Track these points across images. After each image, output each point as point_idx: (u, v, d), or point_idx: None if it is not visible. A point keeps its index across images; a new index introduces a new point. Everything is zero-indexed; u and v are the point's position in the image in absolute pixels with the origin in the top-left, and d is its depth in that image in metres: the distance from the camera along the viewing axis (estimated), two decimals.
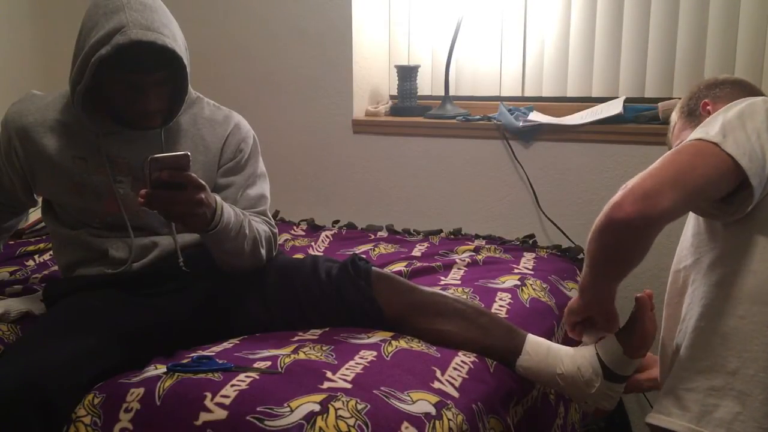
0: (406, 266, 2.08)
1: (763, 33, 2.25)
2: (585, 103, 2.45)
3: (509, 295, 1.85)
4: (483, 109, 2.56)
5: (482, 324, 1.55)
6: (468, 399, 1.34)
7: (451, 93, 2.59)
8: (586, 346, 1.47)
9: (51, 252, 2.07)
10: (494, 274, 2.01)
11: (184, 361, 1.41)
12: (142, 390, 1.33)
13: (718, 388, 1.21)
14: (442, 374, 1.40)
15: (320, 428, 1.19)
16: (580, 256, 2.22)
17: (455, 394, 1.35)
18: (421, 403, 1.27)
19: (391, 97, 2.81)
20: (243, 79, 2.80)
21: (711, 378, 1.22)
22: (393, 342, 1.50)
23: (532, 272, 2.04)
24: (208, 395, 1.28)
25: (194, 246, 1.66)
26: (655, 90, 2.39)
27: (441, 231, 2.45)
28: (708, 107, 1.46)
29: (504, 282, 1.94)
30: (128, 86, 1.52)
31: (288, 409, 1.24)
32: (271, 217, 1.74)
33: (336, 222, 2.59)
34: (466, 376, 1.42)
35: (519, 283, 1.93)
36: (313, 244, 2.40)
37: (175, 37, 1.52)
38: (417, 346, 1.50)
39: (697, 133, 1.20)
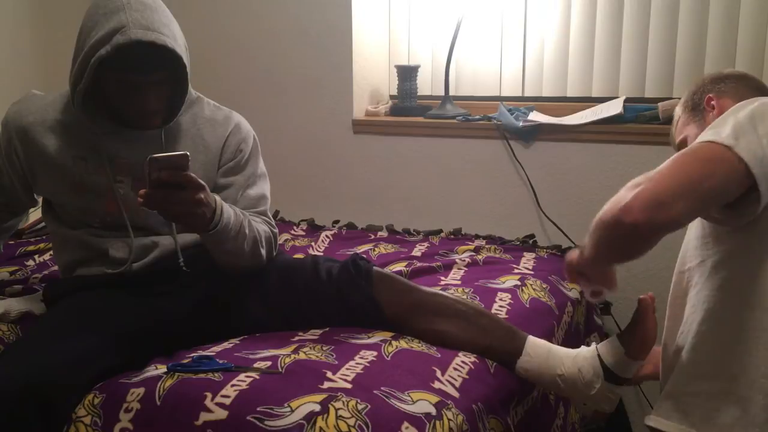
0: (406, 266, 2.08)
1: (763, 33, 2.24)
2: (585, 103, 2.45)
3: (509, 295, 1.85)
4: (483, 109, 2.56)
5: (482, 325, 1.55)
6: (468, 399, 1.34)
7: (451, 93, 2.59)
8: (587, 347, 1.47)
9: (51, 252, 2.07)
10: (494, 274, 2.01)
11: (185, 361, 1.41)
12: (142, 390, 1.33)
13: (719, 393, 1.20)
14: (443, 374, 1.40)
15: (320, 428, 1.19)
16: None
17: (455, 394, 1.35)
18: (421, 403, 1.27)
19: (391, 97, 2.81)
20: (243, 79, 2.80)
21: (712, 383, 1.21)
22: (393, 342, 1.50)
23: (532, 272, 2.04)
24: (209, 395, 1.28)
25: (195, 246, 1.66)
26: (655, 90, 2.39)
27: (441, 231, 2.45)
28: (712, 102, 1.45)
29: (504, 282, 1.94)
30: (128, 86, 1.52)
31: (288, 409, 1.24)
32: (271, 217, 1.74)
33: (336, 222, 2.59)
34: (467, 377, 1.42)
35: (519, 283, 1.93)
36: (313, 244, 2.40)
37: (175, 36, 1.51)
38: (417, 346, 1.50)
39: (708, 134, 1.18)
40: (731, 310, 1.21)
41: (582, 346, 1.50)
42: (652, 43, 2.38)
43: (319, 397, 1.26)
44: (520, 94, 2.60)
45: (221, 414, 1.25)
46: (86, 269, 1.66)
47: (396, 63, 2.71)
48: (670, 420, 1.25)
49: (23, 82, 2.63)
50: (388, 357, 1.44)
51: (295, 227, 2.59)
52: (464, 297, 1.80)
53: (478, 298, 1.82)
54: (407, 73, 2.63)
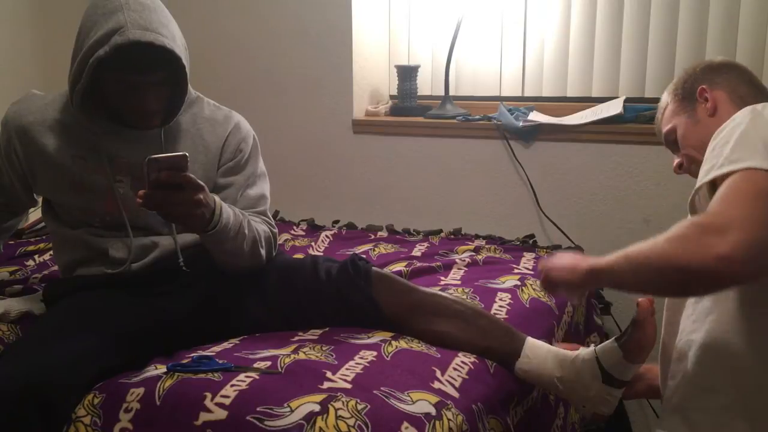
0: (406, 266, 2.08)
1: (763, 33, 2.25)
2: (585, 103, 2.45)
3: (509, 295, 1.85)
4: (483, 109, 2.56)
5: (481, 325, 1.55)
6: (468, 399, 1.34)
7: (451, 93, 2.59)
8: (586, 349, 1.47)
9: (51, 252, 2.07)
10: (494, 274, 2.01)
11: (184, 361, 1.41)
12: (142, 390, 1.33)
13: (727, 407, 1.17)
14: (442, 374, 1.40)
15: (320, 428, 1.19)
16: None
17: (455, 394, 1.34)
18: (421, 403, 1.27)
19: (391, 97, 2.81)
20: (243, 79, 2.80)
21: (720, 396, 1.18)
22: (393, 342, 1.50)
23: (532, 272, 2.03)
24: (208, 395, 1.28)
25: (194, 246, 1.66)
26: (655, 90, 2.39)
27: (441, 231, 2.45)
28: (705, 94, 1.41)
29: (504, 282, 1.94)
30: (127, 86, 1.52)
31: (288, 409, 1.24)
32: (271, 217, 1.74)
33: (336, 222, 2.59)
34: (466, 377, 1.41)
35: (519, 283, 1.93)
36: (313, 244, 2.40)
37: (174, 37, 1.51)
38: (417, 346, 1.50)
39: (746, 160, 1.07)
40: (738, 323, 1.17)
41: (581, 348, 1.50)
42: (652, 43, 2.38)
43: (319, 397, 1.26)
44: (520, 94, 2.60)
45: (221, 414, 1.25)
46: (86, 269, 1.66)
47: (396, 63, 2.71)
48: None
49: (23, 82, 2.63)
50: (387, 357, 1.44)
51: (295, 227, 2.59)
52: (464, 297, 1.80)
53: (478, 298, 1.82)
54: (407, 73, 2.64)
